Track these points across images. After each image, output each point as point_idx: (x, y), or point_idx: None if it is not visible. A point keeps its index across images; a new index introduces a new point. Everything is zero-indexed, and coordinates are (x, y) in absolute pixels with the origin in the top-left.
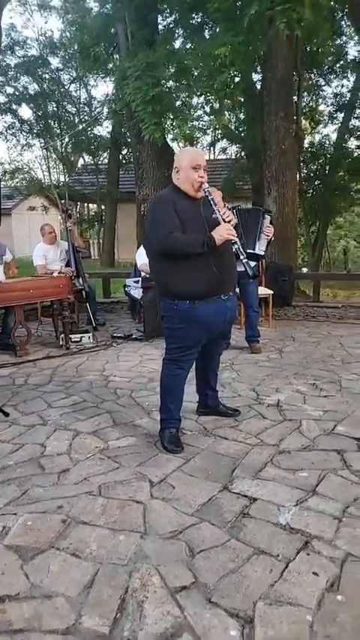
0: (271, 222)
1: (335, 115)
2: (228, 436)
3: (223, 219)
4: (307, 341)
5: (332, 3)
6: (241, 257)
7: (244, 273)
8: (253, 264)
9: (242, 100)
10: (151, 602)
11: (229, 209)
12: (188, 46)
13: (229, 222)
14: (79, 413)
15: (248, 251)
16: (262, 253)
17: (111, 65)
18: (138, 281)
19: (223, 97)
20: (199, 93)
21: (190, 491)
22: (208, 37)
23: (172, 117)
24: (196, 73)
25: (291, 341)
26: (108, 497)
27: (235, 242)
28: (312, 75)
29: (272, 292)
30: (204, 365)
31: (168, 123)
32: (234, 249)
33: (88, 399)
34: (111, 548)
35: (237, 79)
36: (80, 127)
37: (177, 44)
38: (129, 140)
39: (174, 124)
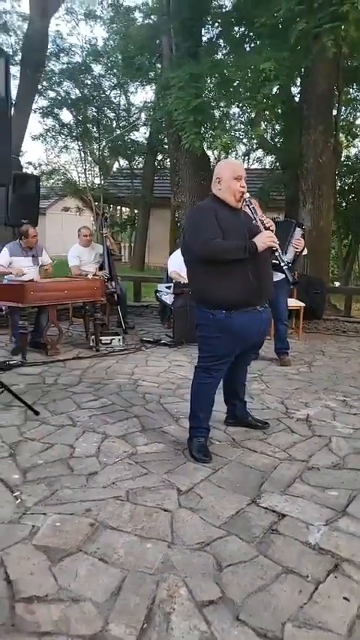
0: (302, 236)
1: None
2: (257, 449)
3: (265, 227)
4: (336, 356)
5: None
6: (282, 264)
7: (278, 282)
8: (281, 276)
9: (280, 111)
10: (178, 614)
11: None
12: (231, 57)
13: (269, 229)
14: (107, 416)
15: (285, 264)
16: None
17: (152, 74)
18: (170, 287)
19: (264, 110)
20: (240, 104)
21: (218, 503)
22: (249, 49)
23: (212, 127)
24: (236, 85)
25: (321, 355)
26: (136, 504)
27: (277, 249)
28: (351, 89)
29: (304, 304)
30: (231, 375)
31: (208, 133)
32: (276, 255)
33: (117, 403)
34: (138, 555)
35: (278, 92)
36: (118, 131)
37: (219, 56)
38: (165, 147)
39: (214, 133)
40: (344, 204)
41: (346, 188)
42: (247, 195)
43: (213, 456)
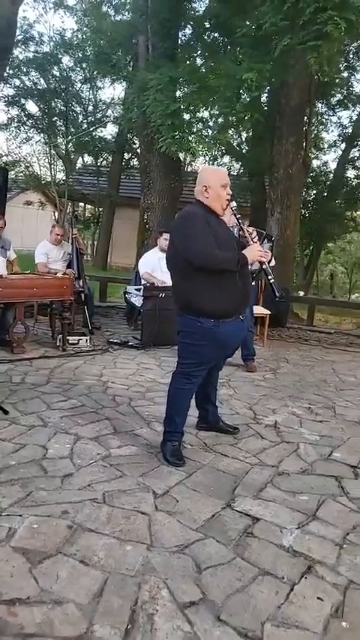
0: (271, 248)
1: (337, 144)
2: (228, 453)
3: (252, 240)
4: (300, 364)
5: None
6: (269, 277)
7: None
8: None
9: (251, 122)
10: (161, 615)
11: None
12: (210, 64)
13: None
14: (79, 417)
15: (272, 277)
16: (272, 277)
17: (125, 73)
18: (140, 289)
19: (243, 118)
20: (218, 112)
21: (193, 506)
22: (225, 56)
23: (189, 132)
24: (216, 93)
25: (285, 362)
26: (113, 506)
27: (264, 263)
28: (320, 104)
29: (269, 312)
30: (205, 380)
31: (185, 137)
32: (263, 269)
33: (87, 404)
34: (119, 557)
35: (252, 102)
36: (85, 126)
37: (198, 61)
38: (134, 146)
39: (191, 139)
40: (307, 214)
41: (310, 199)
42: (234, 203)
43: (186, 460)
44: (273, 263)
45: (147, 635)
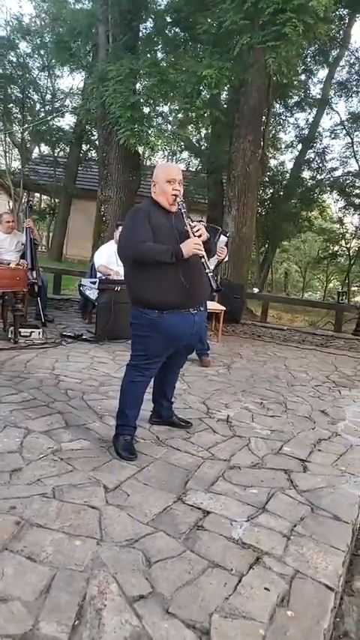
0: (226, 244)
1: (294, 145)
2: (180, 447)
3: (193, 234)
4: (253, 359)
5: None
6: (206, 271)
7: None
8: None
9: (211, 119)
10: (110, 610)
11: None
12: (171, 59)
13: (199, 236)
14: (29, 411)
15: (209, 271)
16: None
17: (84, 62)
18: (95, 282)
19: (202, 115)
20: (177, 107)
21: (145, 500)
22: (186, 51)
23: (148, 125)
24: (176, 87)
25: (238, 358)
26: (62, 501)
27: (202, 256)
28: (278, 105)
29: (224, 308)
30: (163, 376)
31: (144, 130)
32: (202, 262)
33: (38, 398)
34: (67, 553)
35: (211, 99)
36: (42, 115)
37: (159, 55)
38: (92, 137)
39: (150, 132)
40: (264, 213)
41: (266, 198)
42: (180, 199)
43: (138, 454)
44: (226, 259)
45: (94, 630)
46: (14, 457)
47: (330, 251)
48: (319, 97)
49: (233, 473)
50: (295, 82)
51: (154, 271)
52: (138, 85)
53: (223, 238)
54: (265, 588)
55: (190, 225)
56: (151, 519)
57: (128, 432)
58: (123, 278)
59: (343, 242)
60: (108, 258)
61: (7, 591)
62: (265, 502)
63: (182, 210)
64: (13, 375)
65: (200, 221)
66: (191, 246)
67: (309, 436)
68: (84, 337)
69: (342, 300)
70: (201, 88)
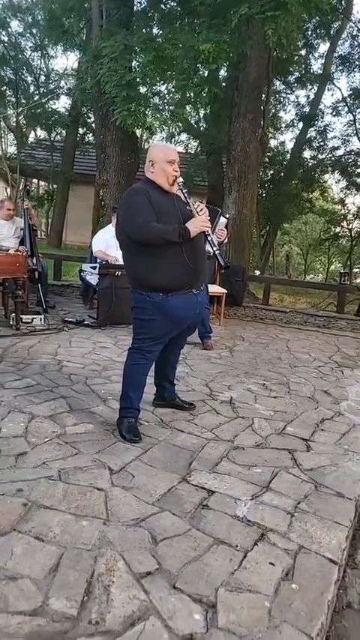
0: (226, 226)
1: (294, 124)
2: (184, 429)
3: (197, 213)
4: (256, 342)
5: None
6: (214, 249)
7: None
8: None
9: (209, 96)
10: (118, 586)
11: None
12: (167, 34)
13: (202, 215)
14: (33, 396)
15: (217, 248)
16: (216, 249)
17: (77, 39)
18: (95, 267)
19: (199, 92)
20: (174, 85)
21: (149, 481)
22: (183, 25)
23: (145, 105)
24: (173, 63)
25: (241, 340)
26: (68, 483)
27: (209, 234)
28: (278, 82)
29: (226, 291)
30: (164, 358)
31: (140, 110)
32: (208, 240)
33: (42, 383)
34: (74, 533)
35: (209, 76)
36: (37, 97)
37: (154, 30)
38: (89, 120)
39: (147, 112)
40: (264, 194)
41: (267, 179)
42: (181, 179)
43: (142, 436)
44: (226, 241)
45: (103, 605)
46: (19, 441)
47: (332, 232)
48: (320, 72)
49: (237, 453)
50: (296, 57)
51: (158, 253)
52: (134, 63)
53: (222, 220)
54: (270, 563)
55: (192, 204)
56: (157, 499)
57: (132, 414)
58: (121, 263)
59: (344, 223)
60: (106, 243)
61: (17, 570)
62: (269, 481)
63: (183, 191)
64: (16, 361)
65: (201, 201)
66: (199, 224)
67: (312, 416)
68: (86, 323)
69: (344, 281)
70: (198, 64)
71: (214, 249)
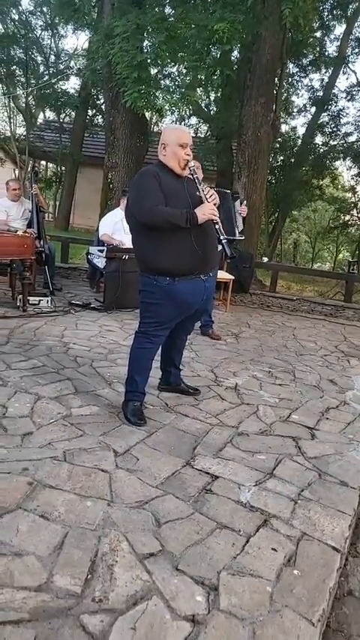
0: (241, 203)
1: (307, 108)
2: (189, 414)
3: (207, 199)
4: (262, 329)
5: None
6: (221, 237)
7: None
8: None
9: (221, 79)
10: (121, 566)
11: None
12: (180, 13)
13: (212, 202)
14: (39, 377)
15: (224, 237)
16: (240, 237)
17: (88, 18)
18: (103, 250)
19: (212, 74)
20: (186, 66)
21: (154, 464)
22: (196, 4)
23: (156, 87)
24: (185, 44)
25: (247, 327)
26: (73, 464)
27: (217, 222)
28: (292, 65)
29: (233, 278)
30: (171, 343)
31: (151, 93)
32: (216, 228)
33: (48, 364)
34: (79, 512)
35: (223, 57)
36: (47, 78)
37: (166, 10)
38: (98, 102)
39: (158, 94)
40: (274, 181)
41: (276, 165)
42: (193, 163)
43: (147, 419)
44: (241, 227)
45: (106, 583)
46: (25, 421)
47: (341, 221)
48: (335, 55)
49: (241, 439)
50: (311, 39)
51: (166, 237)
52: (145, 43)
53: (237, 199)
54: (273, 549)
55: (202, 190)
56: (161, 482)
57: (137, 398)
58: (128, 247)
59: (354, 211)
60: (114, 226)
61: (22, 546)
62: (273, 468)
63: (194, 176)
64: (22, 343)
65: (212, 187)
66: (207, 211)
67: (317, 404)
68: (92, 306)
69: (352, 270)
70: (211, 44)
71: (222, 237)
